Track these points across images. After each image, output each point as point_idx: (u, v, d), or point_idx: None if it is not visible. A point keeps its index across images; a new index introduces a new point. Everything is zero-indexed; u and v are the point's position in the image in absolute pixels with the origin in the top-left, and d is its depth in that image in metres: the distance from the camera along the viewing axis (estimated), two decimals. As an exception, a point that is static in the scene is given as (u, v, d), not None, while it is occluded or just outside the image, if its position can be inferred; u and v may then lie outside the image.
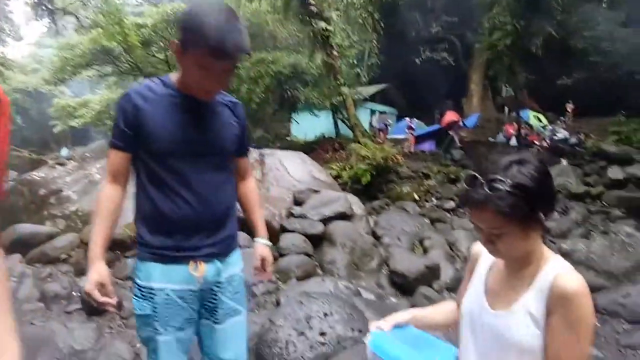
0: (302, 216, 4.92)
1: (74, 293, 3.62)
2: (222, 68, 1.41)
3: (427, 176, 11.81)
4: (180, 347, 1.60)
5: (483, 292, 1.30)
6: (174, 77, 1.53)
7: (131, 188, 1.62)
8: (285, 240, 4.38)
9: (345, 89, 16.03)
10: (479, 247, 1.41)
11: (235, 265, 1.68)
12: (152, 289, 1.52)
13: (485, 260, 1.38)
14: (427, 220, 6.31)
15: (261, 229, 1.80)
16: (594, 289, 3.92)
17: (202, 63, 1.36)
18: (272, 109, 20.18)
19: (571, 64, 20.32)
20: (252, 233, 1.83)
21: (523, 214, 1.10)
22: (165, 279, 1.52)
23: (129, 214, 1.86)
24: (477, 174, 1.16)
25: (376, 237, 5.18)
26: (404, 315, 1.41)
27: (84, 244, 4.13)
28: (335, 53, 15.41)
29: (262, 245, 1.78)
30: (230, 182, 1.69)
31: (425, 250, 4.83)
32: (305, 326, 2.23)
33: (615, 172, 8.97)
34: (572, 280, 1.10)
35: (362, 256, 4.33)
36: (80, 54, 18.11)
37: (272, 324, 2.27)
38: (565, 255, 4.81)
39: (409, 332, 1.34)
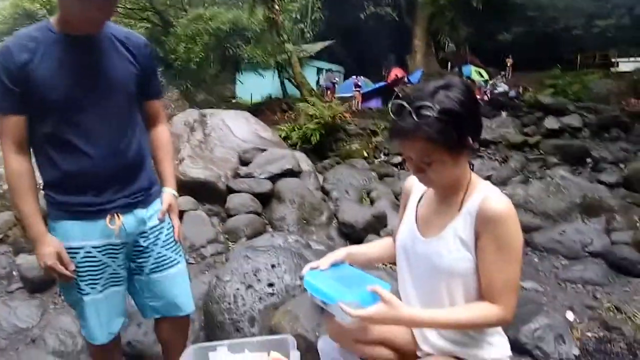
0: (248, 175, 4.82)
1: (14, 272, 3.42)
2: None
3: (375, 133, 11.96)
4: (110, 306, 1.55)
5: (414, 222, 1.32)
6: (53, 20, 1.38)
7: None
8: (233, 200, 4.30)
9: (289, 46, 15.61)
10: (411, 181, 1.43)
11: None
12: (71, 248, 1.44)
13: (416, 192, 1.39)
14: (374, 174, 6.42)
15: (168, 179, 1.72)
16: (532, 229, 4.22)
17: None
18: (213, 69, 19.33)
19: (510, 19, 20.97)
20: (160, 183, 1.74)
21: (452, 140, 1.09)
22: (84, 236, 1.45)
23: None
24: (404, 103, 1.12)
25: (325, 192, 5.22)
26: (340, 253, 1.41)
27: (19, 221, 3.83)
28: (277, 7, 14.84)
29: (167, 194, 1.69)
30: (138, 127, 1.57)
31: (372, 202, 4.93)
32: (253, 279, 2.21)
33: (551, 122, 9.49)
34: (498, 202, 1.12)
35: (312, 211, 4.35)
36: (2, 20, 16.48)
37: (219, 280, 2.24)
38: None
39: (343, 270, 1.34)
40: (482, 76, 18.46)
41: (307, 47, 20.04)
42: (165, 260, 1.64)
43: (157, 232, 1.61)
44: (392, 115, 1.17)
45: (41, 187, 1.52)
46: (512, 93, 14.17)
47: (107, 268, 1.50)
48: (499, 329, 1.29)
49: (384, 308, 1.09)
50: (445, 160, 1.12)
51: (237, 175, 4.98)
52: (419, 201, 1.37)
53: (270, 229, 4.15)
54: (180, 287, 1.69)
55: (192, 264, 3.48)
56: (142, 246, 1.58)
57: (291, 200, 4.36)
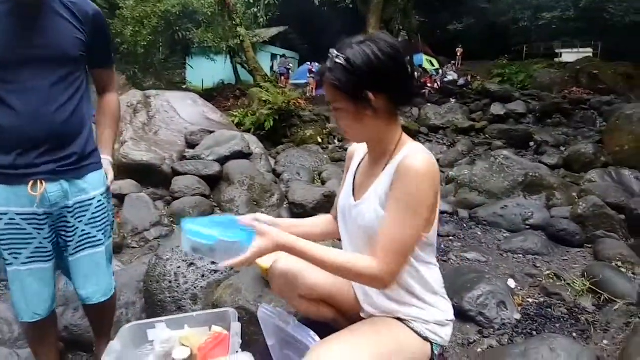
0: (196, 158, 4.66)
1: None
2: None
3: (328, 119, 11.96)
4: (35, 283, 1.45)
5: (351, 187, 1.31)
6: None
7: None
8: (178, 183, 4.13)
9: (242, 30, 15.23)
10: (353, 148, 1.42)
11: (92, 189, 1.52)
12: None
13: (357, 158, 1.38)
14: (326, 157, 6.41)
15: (105, 145, 1.66)
16: (476, 206, 4.36)
17: None
18: (162, 53, 18.53)
19: (462, 10, 21.58)
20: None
21: (349, 88, 1.10)
22: (6, 201, 1.37)
23: None
24: (331, 52, 1.14)
25: (277, 174, 5.14)
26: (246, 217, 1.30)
27: None
28: (229, -10, 14.40)
29: (106, 161, 1.63)
30: (80, 94, 1.49)
31: (323, 182, 4.90)
32: (195, 257, 2.10)
33: (497, 109, 9.96)
34: (415, 160, 1.08)
35: (262, 192, 4.25)
36: None
37: (159, 259, 2.11)
38: (452, 180, 5.25)
39: (220, 219, 1.26)
40: (433, 65, 18.92)
41: (261, 32, 19.64)
42: (90, 238, 1.55)
43: (85, 209, 1.52)
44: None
45: None
46: (461, 81, 14.63)
47: (32, 240, 1.43)
48: (443, 292, 1.29)
49: (261, 240, 1.09)
50: (348, 109, 1.13)
51: (183, 157, 4.80)
52: (357, 167, 1.35)
53: (219, 211, 4.02)
54: (104, 269, 1.62)
55: (135, 247, 3.31)
56: (67, 221, 1.49)
57: (240, 182, 4.24)
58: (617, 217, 3.73)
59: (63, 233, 1.50)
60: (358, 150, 1.38)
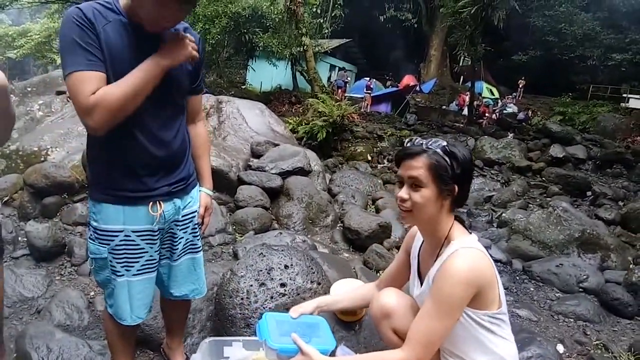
0: (260, 169, 4.88)
1: (19, 238, 3.42)
2: (181, 9, 1.31)
3: (380, 138, 12.03)
4: (143, 292, 1.60)
5: (417, 274, 1.46)
6: (122, 5, 1.37)
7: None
8: (243, 192, 4.35)
9: (306, 40, 15.60)
10: (413, 231, 1.56)
11: (194, 204, 1.71)
12: (109, 231, 1.49)
13: (416, 243, 1.51)
14: (379, 181, 6.50)
15: (207, 178, 1.80)
16: (529, 257, 4.34)
17: (162, 2, 1.24)
18: (227, 53, 19.28)
19: (528, 41, 21.00)
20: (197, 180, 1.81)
21: (444, 177, 1.25)
22: (125, 220, 1.49)
23: (74, 156, 1.67)
24: (417, 138, 1.34)
25: (332, 194, 5.29)
26: (308, 306, 1.59)
27: (27, 186, 3.87)
28: (299, 0, 14.81)
29: (205, 194, 1.78)
30: (184, 120, 1.64)
31: (377, 210, 5.01)
32: (266, 277, 2.28)
33: (556, 150, 9.58)
34: (457, 261, 1.22)
35: (318, 212, 4.42)
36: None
37: (234, 275, 2.31)
38: (505, 223, 5.22)
39: (307, 318, 1.52)
40: (492, 94, 18.58)
41: (323, 43, 20.00)
42: (192, 245, 1.74)
43: (188, 221, 1.69)
44: (404, 145, 1.36)
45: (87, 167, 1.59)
46: (521, 115, 14.29)
47: (144, 254, 1.56)
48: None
49: (300, 358, 1.26)
50: (432, 192, 1.27)
51: (248, 167, 5.03)
52: (418, 251, 1.50)
53: (277, 225, 4.21)
54: (200, 271, 1.82)
55: (200, 251, 3.54)
56: (175, 233, 1.65)
57: (299, 199, 4.43)
58: (671, 290, 3.61)
59: (169, 243, 1.66)
60: (418, 234, 1.52)
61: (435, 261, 1.32)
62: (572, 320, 3.16)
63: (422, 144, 1.30)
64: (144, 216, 1.52)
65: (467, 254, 1.24)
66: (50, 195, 3.85)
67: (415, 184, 1.27)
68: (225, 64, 20.82)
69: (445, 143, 1.29)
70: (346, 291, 1.70)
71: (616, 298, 3.46)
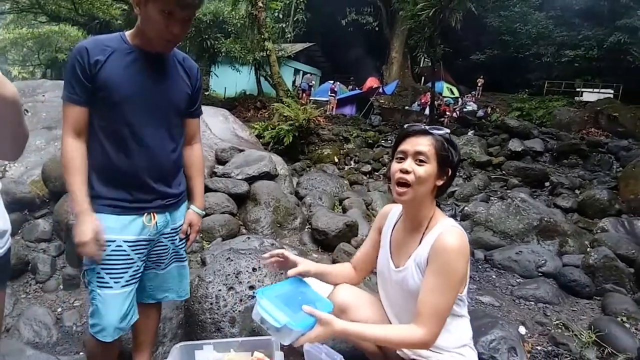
0: (225, 175, 4.85)
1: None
2: (184, 16, 1.44)
3: (346, 140, 12.17)
4: (129, 303, 1.63)
5: (389, 253, 1.52)
6: (127, 34, 1.56)
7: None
8: (209, 199, 4.31)
9: (269, 44, 15.62)
10: (386, 209, 1.65)
11: (181, 218, 1.80)
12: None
13: (390, 221, 1.59)
14: (346, 182, 6.58)
15: (198, 197, 1.87)
16: (491, 247, 4.50)
17: (166, 9, 1.39)
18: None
19: (485, 41, 21.73)
20: (189, 199, 1.87)
21: (445, 159, 1.37)
22: (119, 230, 1.56)
23: (33, 171, 1.64)
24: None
25: (299, 197, 5.32)
26: (307, 267, 1.60)
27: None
28: (260, 4, 14.82)
29: (193, 212, 1.85)
30: (181, 140, 1.73)
31: (344, 210, 5.08)
32: (234, 281, 2.28)
33: (515, 145, 10.00)
34: (450, 237, 1.31)
35: (286, 215, 4.44)
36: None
37: (202, 281, 2.30)
38: (468, 216, 5.40)
39: (296, 287, 1.52)
40: (453, 93, 19.15)
41: (286, 47, 20.10)
42: (177, 255, 1.82)
43: (175, 233, 1.78)
44: (407, 127, 1.45)
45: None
46: (481, 113, 14.79)
47: (132, 264, 1.60)
48: (470, 342, 1.48)
49: (321, 329, 1.27)
50: (433, 169, 1.36)
51: (213, 174, 4.99)
52: (392, 230, 1.56)
53: (245, 231, 4.20)
54: (186, 278, 1.90)
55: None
56: (163, 244, 1.73)
57: (267, 203, 4.43)
58: (626, 270, 3.84)
59: (157, 253, 1.73)
60: (391, 213, 1.61)
61: (420, 241, 1.39)
62: (532, 303, 3.31)
63: (426, 128, 1.40)
64: (137, 227, 1.59)
65: (458, 231, 1.34)
66: (10, 212, 3.69)
67: (421, 159, 1.35)
68: (188, 71, 20.45)
69: (447, 131, 1.42)
70: (332, 268, 1.73)
71: (574, 280, 3.64)
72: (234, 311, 2.18)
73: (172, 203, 1.70)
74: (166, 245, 1.74)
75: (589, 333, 2.71)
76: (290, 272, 1.56)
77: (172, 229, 1.74)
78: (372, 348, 1.62)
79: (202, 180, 1.92)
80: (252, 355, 1.79)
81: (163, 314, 2.37)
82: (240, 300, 2.23)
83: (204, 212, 1.91)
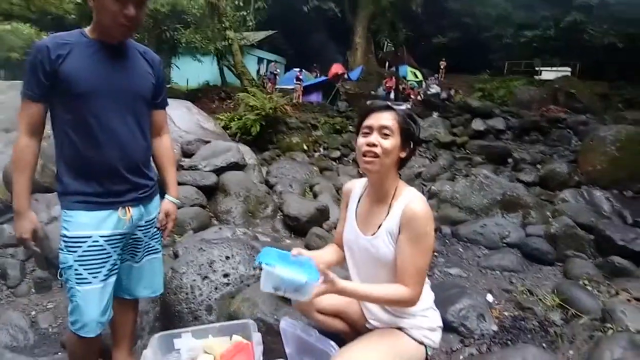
0: (192, 168, 4.80)
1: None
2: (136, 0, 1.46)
3: (314, 127, 12.16)
4: (107, 297, 1.63)
5: (355, 222, 1.58)
6: (87, 29, 1.56)
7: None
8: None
9: (231, 33, 15.31)
10: (350, 185, 1.73)
11: (154, 210, 1.80)
12: (80, 237, 1.54)
13: (354, 195, 1.66)
14: (316, 169, 6.63)
15: (172, 187, 1.88)
16: (457, 222, 4.66)
17: None
18: (149, 52, 18.41)
19: (445, 24, 22.03)
20: (163, 191, 1.88)
21: (407, 132, 1.44)
22: (95, 226, 1.56)
23: None
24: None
25: (269, 185, 5.33)
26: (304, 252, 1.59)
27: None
28: (219, -7, 14.47)
29: (169, 201, 1.86)
30: (148, 130, 1.73)
31: (315, 195, 5.13)
32: (208, 270, 2.29)
33: (477, 124, 10.24)
34: (418, 205, 1.42)
35: (257, 204, 4.44)
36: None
37: (175, 272, 2.29)
38: (434, 194, 5.55)
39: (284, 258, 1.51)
40: (417, 77, 19.37)
41: (249, 35, 19.71)
42: (151, 249, 1.82)
43: (150, 225, 1.78)
44: (370, 103, 1.51)
45: (55, 175, 1.61)
46: (444, 95, 15.06)
47: (109, 258, 1.60)
48: (432, 304, 1.60)
49: (327, 286, 1.34)
50: (397, 142, 1.43)
51: (180, 167, 4.92)
52: (357, 203, 1.63)
53: (216, 222, 4.18)
54: (159, 272, 1.90)
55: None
56: (138, 237, 1.73)
57: (237, 194, 4.42)
58: (586, 237, 4.06)
59: (132, 246, 1.73)
60: (355, 188, 1.68)
61: (389, 211, 1.46)
62: (498, 272, 3.47)
63: (388, 104, 1.47)
64: (112, 221, 1.59)
65: (422, 198, 1.45)
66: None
67: (385, 133, 1.42)
68: (148, 65, 19.84)
69: (408, 107, 1.50)
70: (323, 251, 1.77)
71: (537, 248, 3.84)
72: (210, 299, 2.20)
73: (145, 196, 1.71)
74: (140, 237, 1.74)
75: (552, 297, 2.85)
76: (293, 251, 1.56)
77: (146, 222, 1.75)
78: (344, 327, 1.69)
79: (174, 170, 1.92)
80: (230, 339, 1.82)
81: (139, 308, 2.36)
82: (216, 289, 2.24)
83: (179, 202, 1.92)
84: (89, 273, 1.56)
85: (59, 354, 2.25)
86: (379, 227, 1.47)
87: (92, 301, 1.57)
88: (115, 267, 1.65)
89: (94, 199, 1.56)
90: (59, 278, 1.65)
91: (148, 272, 1.83)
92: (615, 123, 8.39)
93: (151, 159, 1.78)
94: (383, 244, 1.45)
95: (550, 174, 6.88)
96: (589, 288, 3.06)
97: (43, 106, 1.52)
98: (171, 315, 2.20)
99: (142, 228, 1.74)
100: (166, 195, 1.85)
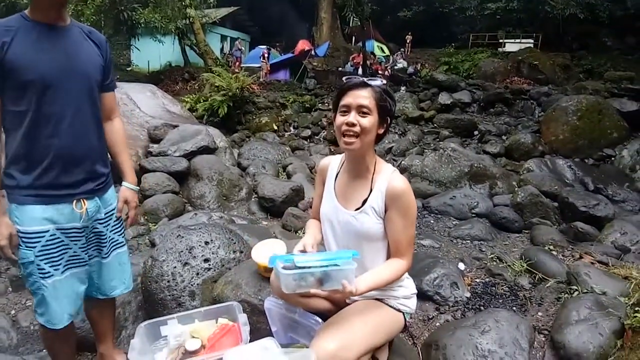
0: (162, 154, 4.70)
1: None
2: None
3: (283, 106, 12.04)
4: (69, 288, 1.60)
5: (335, 197, 1.64)
6: (26, 11, 1.49)
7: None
8: (148, 180, 4.18)
9: (191, 11, 14.79)
10: (325, 162, 1.77)
11: (112, 200, 1.74)
12: (37, 232, 1.49)
13: (331, 171, 1.71)
14: (287, 148, 6.61)
15: (129, 173, 1.82)
16: (428, 195, 4.80)
17: None
18: (106, 34, 17.56)
19: (411, -2, 21.87)
20: (118, 176, 1.80)
21: (385, 109, 1.48)
22: (50, 220, 1.51)
23: None
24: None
25: (242, 168, 5.30)
26: (310, 241, 1.63)
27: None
28: (177, -31, 13.86)
29: (127, 189, 1.79)
30: (100, 116, 1.66)
31: (288, 176, 5.14)
32: (188, 256, 2.29)
33: (444, 98, 10.38)
34: (400, 182, 1.51)
35: (231, 187, 4.42)
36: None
37: (155, 260, 2.28)
38: (404, 169, 5.67)
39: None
40: (383, 51, 19.37)
41: (210, 13, 19.07)
42: (116, 243, 1.76)
43: (109, 217, 1.72)
44: (347, 80, 1.52)
45: (3, 169, 1.51)
46: (411, 69, 15.16)
47: (68, 250, 1.57)
48: (407, 273, 1.68)
49: (347, 294, 1.36)
50: (374, 119, 1.47)
51: (148, 153, 4.83)
52: (335, 179, 1.67)
53: (190, 208, 4.15)
54: (127, 266, 1.85)
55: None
56: (100, 231, 1.67)
57: (209, 178, 4.38)
58: (550, 204, 4.27)
59: (96, 241, 1.68)
60: (331, 164, 1.72)
61: (372, 187, 1.52)
62: (468, 241, 3.62)
63: (364, 80, 1.49)
64: (68, 214, 1.55)
65: (400, 174, 1.53)
66: None
67: (363, 112, 1.45)
68: (105, 47, 18.96)
69: (384, 82, 1.52)
70: (313, 231, 1.77)
71: (504, 217, 4.02)
72: (192, 285, 2.20)
73: (100, 187, 1.65)
74: (102, 232, 1.69)
75: (520, 262, 2.99)
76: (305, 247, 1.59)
77: (105, 214, 1.69)
78: (326, 305, 1.72)
79: (128, 155, 1.85)
80: (216, 323, 1.85)
81: (121, 299, 2.35)
82: (197, 274, 2.25)
83: (137, 187, 1.86)
84: (50, 266, 1.53)
85: (44, 351, 2.23)
86: (364, 202, 1.53)
87: (57, 293, 1.56)
88: (78, 258, 1.61)
89: (45, 193, 1.50)
90: (19, 273, 1.62)
91: (117, 268, 1.78)
92: (576, 93, 8.69)
93: (105, 146, 1.72)
94: (368, 219, 1.52)
95: (515, 145, 7.12)
96: (555, 253, 3.21)
97: None
98: (154, 303, 2.20)
99: (103, 221, 1.68)
100: (123, 183, 1.79)
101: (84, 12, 13.72)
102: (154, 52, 19.62)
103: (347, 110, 1.47)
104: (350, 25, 21.83)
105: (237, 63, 16.70)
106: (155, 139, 5.17)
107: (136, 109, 5.68)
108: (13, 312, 2.65)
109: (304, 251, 1.53)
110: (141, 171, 4.36)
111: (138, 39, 18.55)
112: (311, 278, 1.32)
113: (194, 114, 9.86)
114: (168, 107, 6.22)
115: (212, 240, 2.42)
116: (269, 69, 15.78)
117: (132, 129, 5.32)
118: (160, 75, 17.05)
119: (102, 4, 14.36)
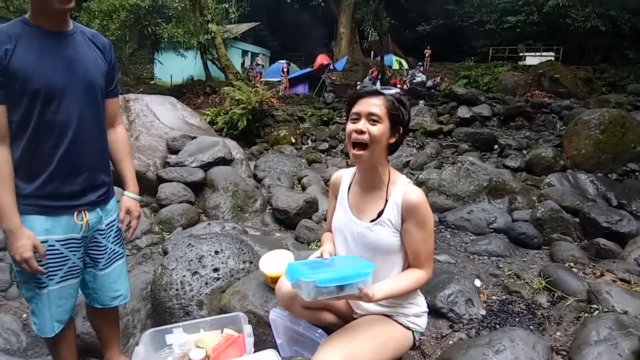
0: (179, 164, 4.77)
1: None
2: None
3: (302, 119, 12.12)
4: (62, 297, 1.59)
5: (348, 209, 1.60)
6: (27, 16, 1.45)
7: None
8: (165, 190, 4.24)
9: (213, 26, 15.14)
10: (337, 175, 1.74)
11: (114, 211, 1.73)
12: None
13: (344, 184, 1.68)
14: (304, 161, 6.62)
15: (131, 182, 1.78)
16: (445, 210, 4.70)
17: None
18: (130, 48, 18.14)
19: (429, 11, 21.98)
20: (120, 185, 1.78)
21: (397, 118, 1.44)
22: (49, 230, 1.49)
23: None
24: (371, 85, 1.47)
25: (257, 179, 5.32)
26: (327, 249, 1.62)
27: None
28: (200, -15, 14.26)
29: (129, 198, 1.76)
30: (104, 124, 1.65)
31: (303, 188, 5.13)
32: (198, 265, 2.29)
33: (463, 112, 10.23)
34: (415, 194, 1.47)
35: (246, 198, 4.43)
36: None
37: (165, 269, 2.29)
38: (422, 183, 5.59)
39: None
40: (402, 65, 19.39)
41: (232, 28, 19.49)
42: (114, 254, 1.74)
43: (109, 229, 1.70)
44: (359, 89, 1.50)
45: None
46: (430, 83, 15.10)
47: (67, 261, 1.55)
48: (418, 290, 1.63)
49: (364, 298, 1.34)
50: (386, 128, 1.43)
51: (166, 164, 4.89)
52: (348, 191, 1.64)
53: (205, 218, 4.17)
54: (124, 278, 1.82)
55: (129, 255, 3.43)
56: (99, 241, 1.65)
57: (225, 189, 4.40)
58: (571, 220, 4.11)
59: (94, 252, 1.66)
60: (343, 177, 1.69)
61: (387, 199, 1.49)
62: (485, 257, 3.52)
63: (377, 88, 1.47)
64: (68, 225, 1.53)
65: (415, 187, 1.51)
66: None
67: (374, 120, 1.42)
68: (130, 60, 19.63)
69: (397, 91, 1.49)
70: (329, 242, 1.74)
71: (523, 233, 3.89)
72: (200, 294, 2.20)
73: (102, 198, 1.63)
74: (102, 243, 1.66)
75: (539, 280, 2.87)
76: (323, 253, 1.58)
77: (106, 225, 1.67)
78: (332, 319, 1.70)
79: (131, 163, 1.82)
80: (222, 333, 1.83)
81: (130, 307, 2.37)
82: (206, 283, 2.24)
83: (140, 197, 1.82)
84: (46, 277, 1.52)
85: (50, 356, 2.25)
86: (380, 214, 1.50)
87: (49, 303, 1.55)
88: (75, 268, 1.60)
89: (46, 203, 1.48)
90: (14, 280, 1.63)
91: (115, 279, 1.76)
92: (598, 107, 8.46)
93: (108, 154, 1.70)
94: (384, 230, 1.49)
95: (536, 159, 6.94)
96: (575, 270, 3.09)
97: (3, 107, 1.39)
98: (162, 311, 2.20)
99: (103, 232, 1.66)
100: (124, 192, 1.76)
101: (109, 26, 14.21)
102: (177, 66, 20.12)
103: (358, 118, 1.45)
104: (369, 39, 21.95)
105: (258, 77, 16.94)
106: (173, 150, 5.24)
107: (156, 120, 5.79)
108: (25, 315, 2.69)
109: (320, 257, 1.51)
110: (158, 181, 4.43)
111: (161, 53, 19.10)
112: (332, 286, 1.30)
113: (214, 126, 10.00)
114: (187, 119, 6.32)
115: (222, 249, 2.42)
116: (288, 83, 15.94)
117: (151, 139, 5.42)
118: (183, 89, 17.43)
119: (126, 19, 14.86)
